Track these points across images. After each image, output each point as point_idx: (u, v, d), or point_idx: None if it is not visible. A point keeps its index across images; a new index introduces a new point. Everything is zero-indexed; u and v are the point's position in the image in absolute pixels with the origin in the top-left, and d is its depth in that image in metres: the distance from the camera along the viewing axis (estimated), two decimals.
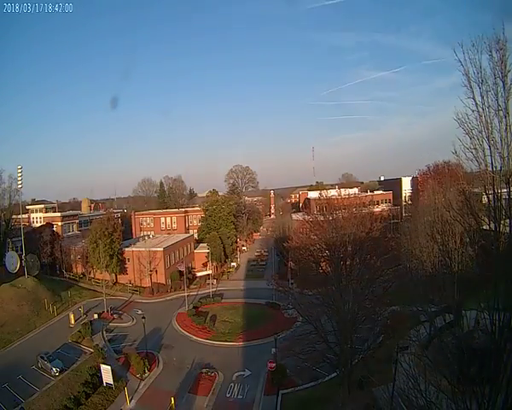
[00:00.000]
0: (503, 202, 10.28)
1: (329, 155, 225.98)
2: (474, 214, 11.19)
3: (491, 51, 9.53)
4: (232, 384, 27.12)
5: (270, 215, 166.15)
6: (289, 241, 63.94)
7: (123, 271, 54.88)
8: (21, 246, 59.95)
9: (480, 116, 9.80)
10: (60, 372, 28.48)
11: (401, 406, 13.51)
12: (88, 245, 55.47)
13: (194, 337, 36.10)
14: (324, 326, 23.26)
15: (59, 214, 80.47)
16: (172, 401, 23.80)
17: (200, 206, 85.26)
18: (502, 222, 10.14)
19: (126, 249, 56.49)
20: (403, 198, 79.55)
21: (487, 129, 9.74)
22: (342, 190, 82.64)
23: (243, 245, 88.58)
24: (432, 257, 45.83)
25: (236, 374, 28.40)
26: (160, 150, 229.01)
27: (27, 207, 77.92)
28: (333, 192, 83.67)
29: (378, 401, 21.03)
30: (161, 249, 54.29)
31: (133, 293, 51.65)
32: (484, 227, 11.28)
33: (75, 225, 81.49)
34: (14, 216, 68.62)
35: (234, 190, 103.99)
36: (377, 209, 73.31)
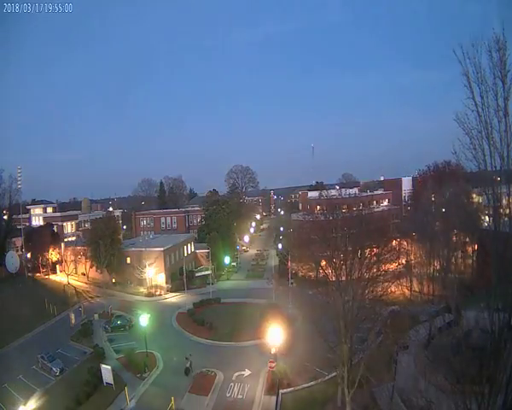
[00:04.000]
0: (503, 201, 10.29)
1: (329, 154, 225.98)
2: (473, 214, 11.24)
3: (490, 51, 9.54)
4: (232, 384, 27.08)
5: (270, 215, 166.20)
6: (289, 241, 63.99)
7: (123, 271, 54.82)
8: (21, 246, 60.09)
9: (480, 116, 9.82)
10: (60, 372, 28.51)
11: (401, 406, 13.53)
12: (88, 245, 55.48)
13: (195, 337, 36.10)
14: (324, 326, 23.26)
15: (59, 214, 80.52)
16: (172, 401, 23.81)
17: (200, 206, 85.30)
18: (501, 222, 10.15)
19: (126, 249, 56.47)
20: (403, 198, 79.50)
21: (487, 129, 9.76)
22: (342, 189, 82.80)
23: (243, 245, 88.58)
24: (432, 257, 46.03)
25: (236, 374, 28.37)
26: (160, 150, 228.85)
27: (27, 207, 77.96)
28: (333, 192, 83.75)
29: (378, 401, 21.06)
30: (161, 249, 54.27)
31: (133, 293, 51.66)
32: (483, 227, 11.29)
33: (75, 225, 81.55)
34: (14, 216, 68.73)
35: (234, 189, 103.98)
36: (377, 209, 73.31)
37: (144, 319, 31.63)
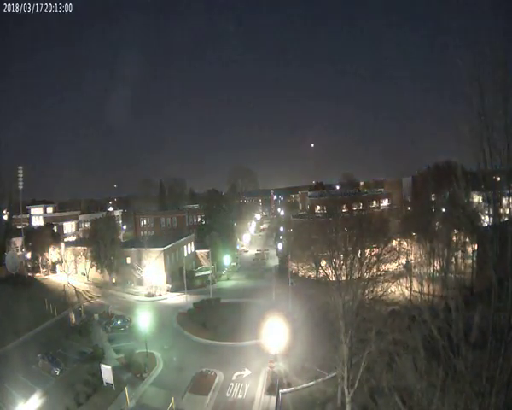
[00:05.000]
0: (503, 201, 10.29)
1: (329, 154, 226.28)
2: (473, 214, 11.21)
3: (491, 50, 9.49)
4: (232, 384, 27.11)
5: (270, 215, 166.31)
6: (289, 241, 64.05)
7: (123, 271, 54.88)
8: (21, 246, 60.11)
9: (480, 116, 9.78)
10: (60, 372, 28.50)
11: (401, 406, 13.51)
12: (88, 245, 55.53)
13: (195, 337, 36.14)
14: (324, 326, 23.27)
15: (59, 214, 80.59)
16: (172, 401, 23.82)
17: (200, 205, 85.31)
18: (501, 222, 10.14)
19: (126, 249, 56.49)
20: (403, 198, 79.60)
21: (487, 129, 9.72)
22: (342, 189, 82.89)
23: (243, 245, 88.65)
24: (432, 257, 45.98)
25: (236, 374, 28.40)
26: (160, 150, 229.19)
27: (27, 207, 77.97)
28: (333, 192, 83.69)
29: (378, 401, 21.04)
30: (161, 249, 54.28)
31: (133, 293, 51.69)
32: (483, 227, 11.27)
33: (75, 225, 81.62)
34: (14, 216, 68.73)
35: (234, 189, 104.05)
36: (377, 209, 73.36)
37: (144, 320, 31.63)
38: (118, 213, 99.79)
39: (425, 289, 42.54)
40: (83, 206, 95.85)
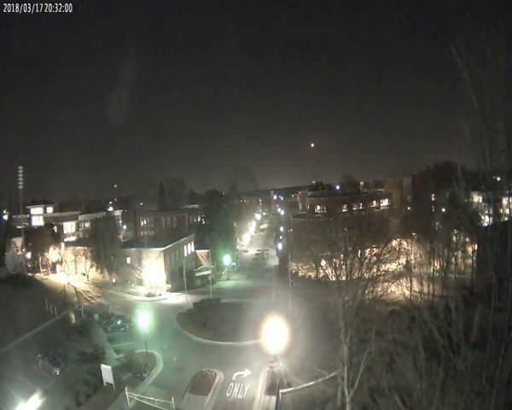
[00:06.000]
0: (503, 201, 10.29)
1: (329, 154, 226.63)
2: (473, 214, 11.21)
3: (491, 50, 9.49)
4: (232, 384, 27.11)
5: (270, 215, 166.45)
6: (289, 241, 64.09)
7: (123, 271, 54.88)
8: (21, 246, 60.13)
9: (480, 116, 9.78)
10: (60, 372, 28.48)
11: (401, 406, 13.52)
12: (88, 245, 55.52)
13: (195, 337, 36.12)
14: (324, 326, 23.26)
15: (59, 214, 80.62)
16: (172, 401, 23.82)
17: (200, 206, 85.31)
18: (501, 222, 10.15)
19: (126, 249, 56.48)
20: (403, 198, 79.59)
21: (487, 129, 9.72)
22: (342, 189, 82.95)
23: (243, 245, 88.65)
24: (432, 257, 46.03)
25: (236, 374, 28.39)
26: (160, 150, 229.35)
27: (27, 207, 77.98)
28: (333, 192, 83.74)
29: (378, 401, 21.04)
30: (161, 249, 54.27)
31: (133, 293, 51.68)
32: (483, 227, 11.26)
33: (75, 225, 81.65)
34: (14, 216, 68.80)
35: (234, 190, 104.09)
36: (377, 209, 73.40)
37: (144, 319, 31.63)
38: (118, 213, 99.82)
39: (425, 289, 42.56)
40: (83, 206, 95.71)
